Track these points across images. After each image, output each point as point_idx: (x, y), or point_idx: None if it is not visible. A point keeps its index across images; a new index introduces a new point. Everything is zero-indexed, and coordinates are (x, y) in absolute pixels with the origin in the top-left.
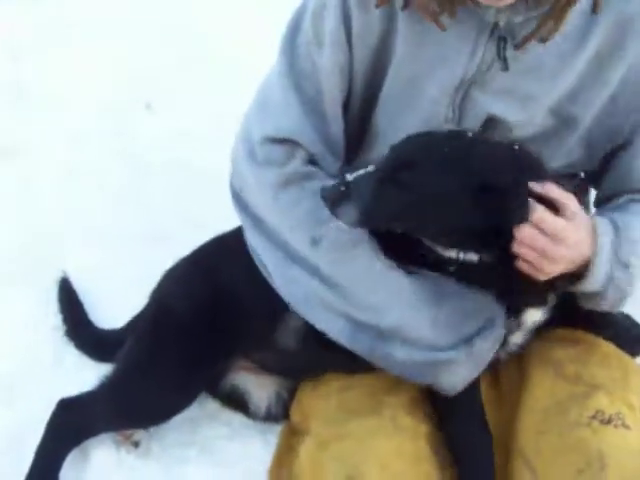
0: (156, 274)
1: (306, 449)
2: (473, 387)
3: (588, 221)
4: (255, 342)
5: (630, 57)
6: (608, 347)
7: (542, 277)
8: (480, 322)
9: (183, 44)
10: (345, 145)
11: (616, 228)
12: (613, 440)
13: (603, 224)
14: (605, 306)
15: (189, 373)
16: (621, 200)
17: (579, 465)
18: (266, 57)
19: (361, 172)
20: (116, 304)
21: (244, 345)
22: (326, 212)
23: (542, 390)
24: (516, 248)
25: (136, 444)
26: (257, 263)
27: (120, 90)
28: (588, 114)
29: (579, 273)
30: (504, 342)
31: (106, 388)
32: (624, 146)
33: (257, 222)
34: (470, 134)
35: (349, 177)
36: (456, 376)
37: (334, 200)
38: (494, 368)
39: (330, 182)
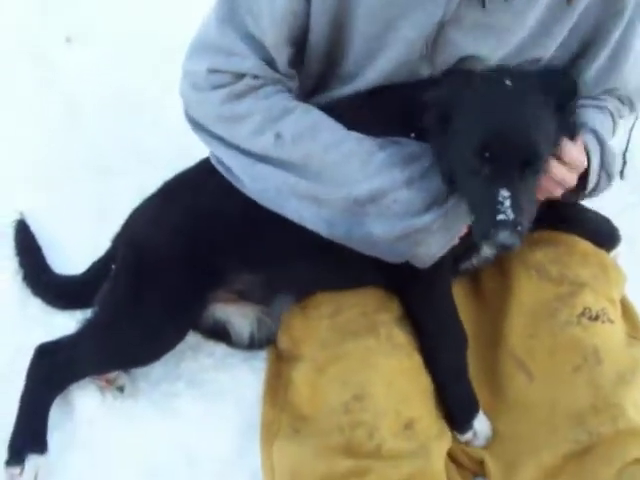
0: (107, 212)
1: (303, 374)
2: (446, 284)
3: (582, 142)
4: (239, 268)
5: None
6: (586, 245)
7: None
8: None
9: None
10: (312, 83)
11: (601, 144)
12: (604, 335)
13: (592, 143)
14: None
15: (177, 309)
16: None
17: (575, 362)
18: None
19: (507, 202)
20: (69, 244)
21: (229, 273)
22: (279, 108)
23: (528, 293)
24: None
25: (121, 389)
26: (224, 173)
27: (38, 24)
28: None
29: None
30: (477, 250)
31: (92, 331)
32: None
33: (217, 139)
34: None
35: (509, 215)
36: (432, 246)
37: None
38: (474, 277)
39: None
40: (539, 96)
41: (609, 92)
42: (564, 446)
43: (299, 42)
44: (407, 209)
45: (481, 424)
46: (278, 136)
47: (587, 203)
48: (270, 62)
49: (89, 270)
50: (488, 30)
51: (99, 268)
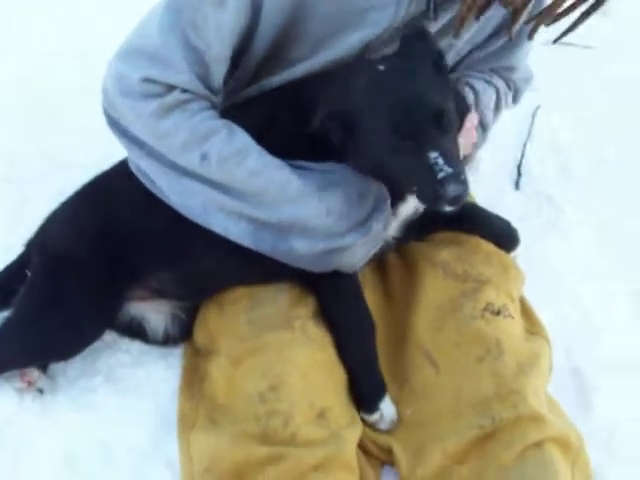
0: (19, 218)
1: (219, 367)
2: (352, 275)
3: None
4: (153, 266)
5: None
6: (488, 246)
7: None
8: (370, 205)
9: None
10: (246, 76)
11: (475, 95)
12: (505, 328)
13: (468, 96)
14: None
15: (94, 308)
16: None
17: (479, 353)
18: None
19: (440, 160)
20: None
21: (143, 272)
22: (205, 128)
23: (434, 289)
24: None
25: (41, 390)
26: (146, 183)
27: None
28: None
29: None
30: None
31: (11, 330)
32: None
33: (141, 146)
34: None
35: (449, 169)
36: (355, 257)
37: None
38: (382, 274)
39: None
40: (413, 63)
41: (497, 71)
42: (468, 432)
43: (239, 54)
44: (328, 233)
45: (387, 407)
46: (204, 157)
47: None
48: (203, 77)
49: (2, 273)
50: None
51: (12, 271)
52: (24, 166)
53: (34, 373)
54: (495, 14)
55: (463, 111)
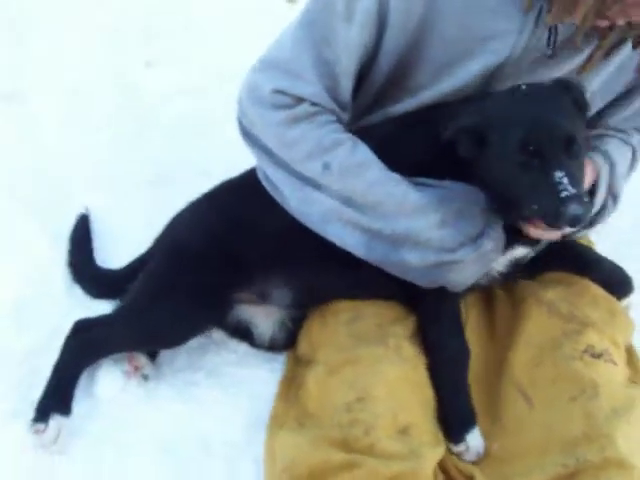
0: (158, 217)
1: (315, 375)
2: (455, 301)
3: (589, 161)
4: (266, 273)
5: None
6: (597, 289)
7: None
8: (483, 222)
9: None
10: (371, 97)
11: (611, 165)
12: (604, 372)
13: (601, 162)
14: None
15: (202, 300)
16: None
17: (573, 393)
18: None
19: (565, 180)
20: (119, 245)
21: (255, 277)
22: (330, 140)
23: (537, 327)
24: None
25: (145, 377)
26: (271, 190)
27: (120, 46)
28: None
29: None
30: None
31: (125, 313)
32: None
33: (270, 155)
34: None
35: (571, 190)
36: (465, 274)
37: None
38: (489, 307)
39: None
40: (557, 94)
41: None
42: (552, 470)
43: (363, 72)
44: (440, 246)
45: (474, 439)
46: (326, 166)
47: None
48: (331, 90)
49: (128, 266)
50: (543, 70)
51: (136, 265)
52: (166, 171)
53: (141, 359)
54: (626, 75)
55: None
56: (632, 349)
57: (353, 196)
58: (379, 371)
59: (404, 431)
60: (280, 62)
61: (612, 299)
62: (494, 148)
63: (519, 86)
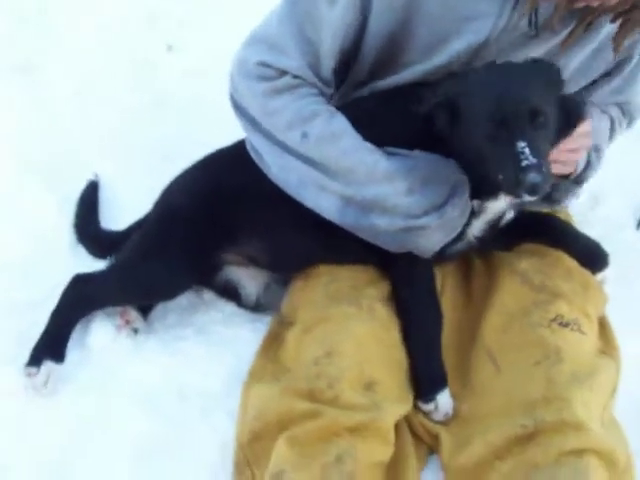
0: (159, 185)
1: (293, 334)
2: (427, 266)
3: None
4: (250, 234)
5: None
6: (571, 262)
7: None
8: (448, 191)
9: None
10: (364, 73)
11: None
12: (569, 340)
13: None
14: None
15: (189, 258)
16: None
17: (537, 357)
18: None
19: (527, 150)
20: (124, 213)
21: (240, 237)
22: (309, 110)
23: (509, 295)
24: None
25: (135, 330)
26: (255, 158)
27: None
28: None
29: None
30: (462, 233)
31: (118, 268)
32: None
33: (255, 125)
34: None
35: (532, 160)
36: (431, 240)
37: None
38: (464, 274)
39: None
40: (528, 71)
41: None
42: (511, 430)
43: (350, 51)
44: (407, 212)
45: (444, 399)
46: (304, 135)
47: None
48: (314, 66)
49: (128, 228)
50: (526, 49)
51: (136, 227)
52: (174, 148)
53: (132, 314)
54: (606, 54)
55: (579, 115)
56: (605, 322)
57: (328, 163)
58: (349, 328)
59: (368, 386)
60: (266, 37)
61: (585, 272)
62: (466, 121)
63: (493, 63)
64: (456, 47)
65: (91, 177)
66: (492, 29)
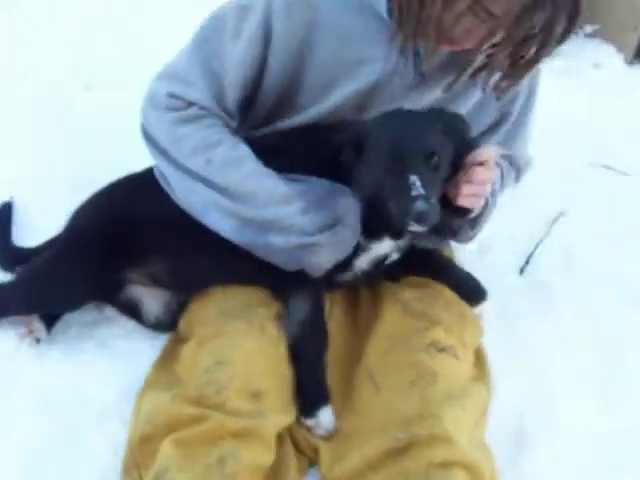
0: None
1: (187, 348)
2: (317, 288)
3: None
4: (152, 255)
5: None
6: (451, 295)
7: (479, 203)
8: (341, 212)
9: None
10: (265, 111)
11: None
12: (445, 363)
13: None
14: (470, 236)
15: (92, 275)
16: None
17: (413, 378)
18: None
19: (418, 183)
20: (39, 233)
21: (143, 258)
22: (214, 139)
23: (391, 322)
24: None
25: (38, 340)
26: (162, 183)
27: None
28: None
29: None
30: (350, 264)
31: (22, 276)
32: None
33: (162, 152)
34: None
35: (420, 191)
36: (323, 257)
37: (426, 219)
38: (352, 302)
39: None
40: (428, 118)
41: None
42: (386, 443)
43: (252, 87)
44: (302, 230)
45: (324, 416)
46: (208, 161)
47: None
48: (219, 99)
49: (39, 246)
50: (416, 94)
51: (46, 246)
52: (89, 173)
53: (35, 324)
54: (491, 107)
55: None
56: (480, 352)
57: (230, 187)
58: (240, 343)
59: (255, 395)
60: (176, 72)
61: (464, 304)
62: (368, 155)
63: (399, 109)
64: (347, 90)
65: (7, 199)
66: (380, 73)
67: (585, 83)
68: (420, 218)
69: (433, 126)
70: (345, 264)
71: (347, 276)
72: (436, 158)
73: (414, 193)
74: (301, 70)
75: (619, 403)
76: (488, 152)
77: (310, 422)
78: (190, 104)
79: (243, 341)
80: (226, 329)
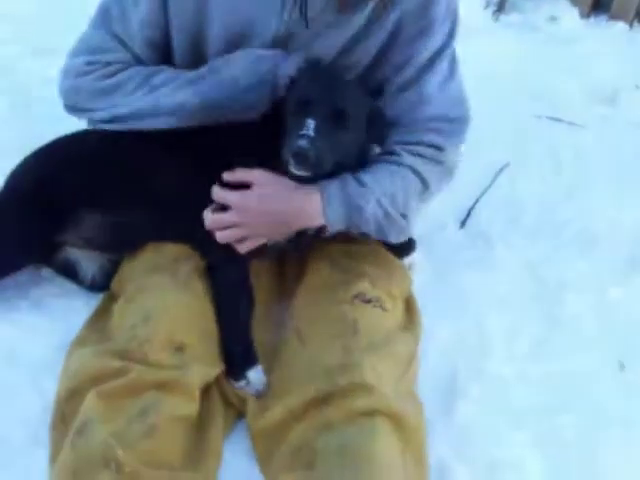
0: None
1: (117, 306)
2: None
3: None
4: (85, 212)
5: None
6: (378, 247)
7: (251, 243)
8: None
9: None
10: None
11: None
12: (368, 315)
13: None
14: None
15: (25, 239)
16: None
17: (337, 330)
18: None
19: (312, 125)
20: None
21: (75, 217)
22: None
23: (318, 277)
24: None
25: None
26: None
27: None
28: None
29: None
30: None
31: None
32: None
33: (94, 111)
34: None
35: (310, 132)
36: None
37: (306, 157)
38: (280, 260)
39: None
40: (355, 85)
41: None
42: (308, 393)
43: (163, 46)
44: None
45: (254, 375)
46: (152, 88)
47: None
48: (137, 58)
49: None
50: (324, 40)
51: None
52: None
53: None
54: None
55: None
56: (412, 301)
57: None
58: (163, 297)
59: (178, 349)
60: (88, 45)
61: (392, 257)
62: (290, 96)
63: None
64: (253, 45)
65: None
66: (275, 30)
67: (540, 37)
68: (298, 156)
69: (352, 88)
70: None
71: (273, 249)
72: (346, 116)
73: (302, 132)
74: (203, 30)
75: (557, 351)
76: (242, 175)
77: (239, 384)
78: (108, 63)
79: (167, 295)
80: (150, 283)
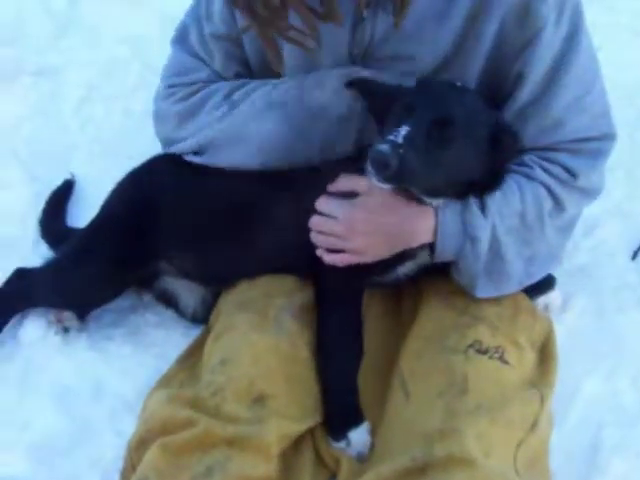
0: None
1: (207, 343)
2: (358, 294)
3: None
4: (176, 248)
5: (503, 8)
6: None
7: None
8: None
9: None
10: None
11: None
12: (483, 368)
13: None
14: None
15: (117, 268)
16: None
17: (441, 387)
18: None
19: (403, 132)
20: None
21: (168, 248)
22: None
23: (429, 319)
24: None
25: (66, 329)
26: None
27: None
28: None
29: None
30: (393, 270)
31: (49, 269)
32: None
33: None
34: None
35: (398, 139)
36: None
37: (385, 165)
38: (396, 298)
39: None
40: (477, 100)
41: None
42: (402, 462)
43: (240, 59)
44: None
45: (357, 437)
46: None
47: None
48: (218, 74)
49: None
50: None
51: None
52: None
53: (64, 313)
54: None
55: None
56: (549, 352)
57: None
58: (249, 338)
59: (258, 400)
60: (169, 71)
61: (519, 296)
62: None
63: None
64: (326, 63)
65: (68, 176)
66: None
67: None
68: (375, 162)
69: (469, 97)
70: (387, 269)
71: (388, 278)
72: (453, 128)
73: (391, 136)
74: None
75: None
76: (347, 184)
77: (339, 445)
78: (192, 84)
79: (253, 337)
80: (238, 321)
